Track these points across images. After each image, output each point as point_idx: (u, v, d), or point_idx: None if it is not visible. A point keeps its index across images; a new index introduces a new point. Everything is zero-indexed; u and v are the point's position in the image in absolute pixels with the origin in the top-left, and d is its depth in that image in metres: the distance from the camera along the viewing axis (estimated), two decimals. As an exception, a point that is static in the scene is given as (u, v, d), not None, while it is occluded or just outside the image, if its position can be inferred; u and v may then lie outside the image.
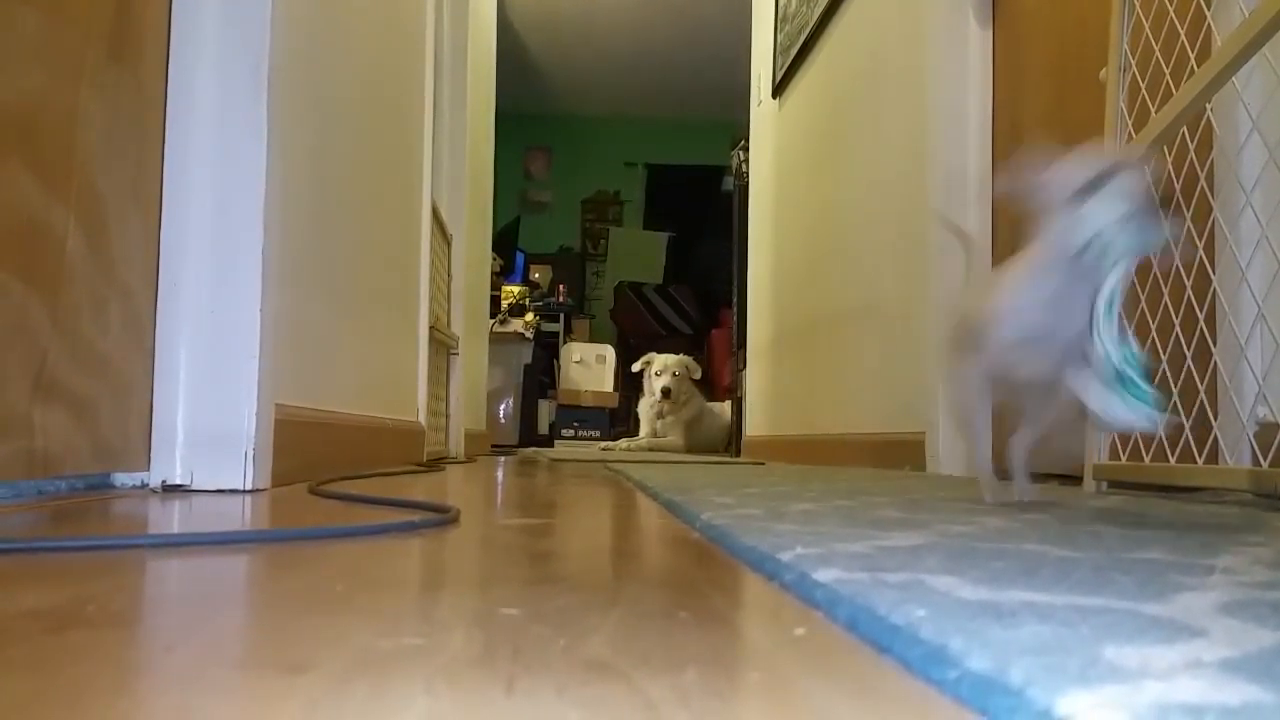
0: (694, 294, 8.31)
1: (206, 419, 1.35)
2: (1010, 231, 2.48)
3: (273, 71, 1.41)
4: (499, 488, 1.83)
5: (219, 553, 0.75)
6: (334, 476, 1.65)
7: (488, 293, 5.12)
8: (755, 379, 4.92)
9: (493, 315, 6.86)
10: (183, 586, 0.64)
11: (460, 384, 3.69)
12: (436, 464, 2.80)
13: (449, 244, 3.62)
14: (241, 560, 0.73)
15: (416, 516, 0.97)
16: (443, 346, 3.44)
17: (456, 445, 3.63)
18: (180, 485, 1.34)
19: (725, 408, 5.75)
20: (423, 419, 2.85)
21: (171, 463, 1.34)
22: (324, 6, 1.81)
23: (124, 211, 1.28)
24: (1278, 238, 1.45)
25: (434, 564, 0.77)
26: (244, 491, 1.34)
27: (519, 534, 0.96)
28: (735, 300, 5.34)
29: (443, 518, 0.97)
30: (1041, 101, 2.44)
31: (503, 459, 3.83)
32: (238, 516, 1.07)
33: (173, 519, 1.04)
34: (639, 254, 8.88)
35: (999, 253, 2.59)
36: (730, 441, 5.41)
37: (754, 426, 4.88)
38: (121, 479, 1.32)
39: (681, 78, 8.29)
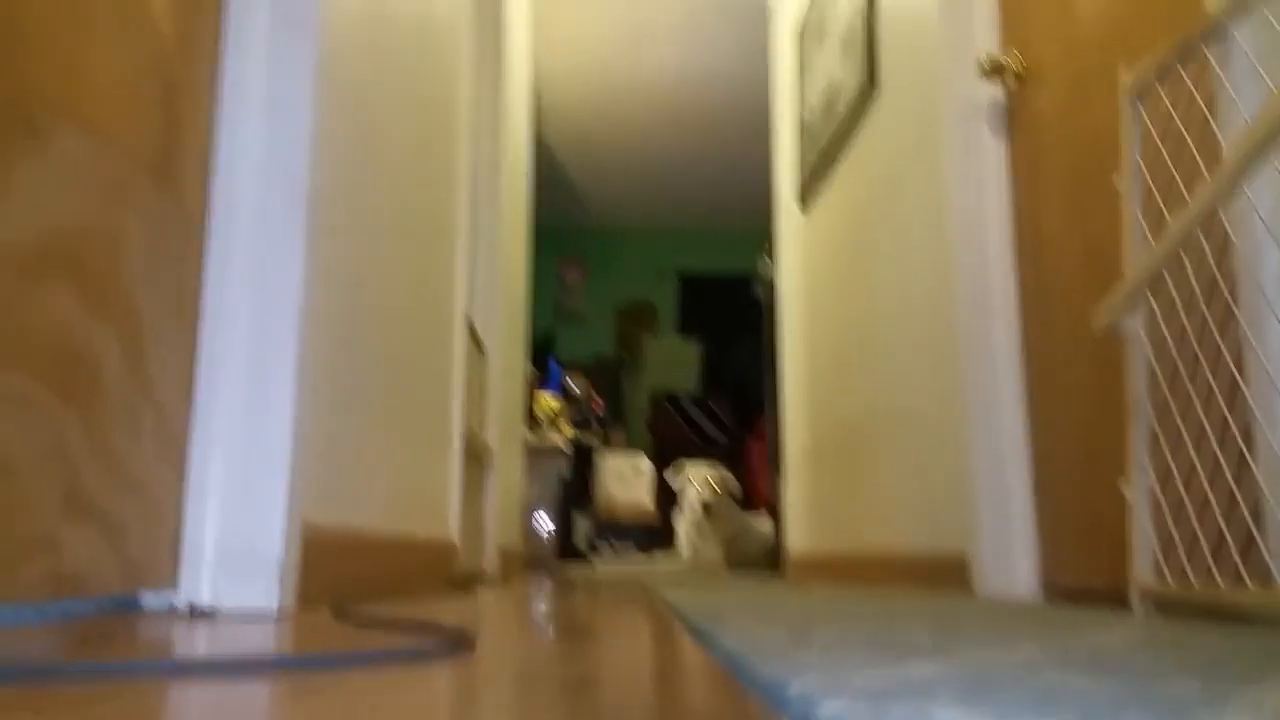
0: (729, 403, 8.32)
1: (236, 537, 1.36)
2: (1038, 343, 2.48)
3: (310, 193, 1.46)
4: (528, 617, 1.81)
5: (205, 681, 0.75)
6: (361, 597, 1.65)
7: (522, 404, 5.15)
8: (794, 492, 4.87)
9: (529, 429, 6.91)
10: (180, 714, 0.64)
11: (495, 498, 3.69)
12: (469, 585, 2.78)
13: (484, 355, 3.67)
14: (240, 690, 0.72)
15: (430, 642, 0.96)
16: (477, 459, 3.46)
17: (491, 563, 3.61)
18: (206, 606, 1.34)
19: (764, 521, 5.69)
20: (455, 535, 2.84)
21: (199, 581, 1.35)
22: (363, 128, 1.89)
23: (163, 330, 1.32)
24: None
25: (439, 697, 0.76)
26: (269, 613, 1.34)
27: (537, 663, 0.95)
28: (768, 410, 5.33)
29: (454, 645, 0.96)
30: (1061, 210, 2.46)
31: (540, 581, 3.80)
32: (254, 642, 1.07)
33: (190, 643, 1.04)
34: (673, 362, 8.94)
35: (1028, 362, 2.58)
36: (772, 558, 5.33)
37: (795, 542, 4.80)
38: (149, 599, 1.33)
39: (710, 188, 8.47)
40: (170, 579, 1.34)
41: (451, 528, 2.84)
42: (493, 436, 3.73)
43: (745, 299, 8.53)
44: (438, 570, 2.57)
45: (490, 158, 3.87)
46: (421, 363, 2.51)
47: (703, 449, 7.83)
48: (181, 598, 1.34)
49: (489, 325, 3.77)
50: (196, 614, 1.32)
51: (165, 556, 1.34)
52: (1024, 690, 0.61)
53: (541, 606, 1.86)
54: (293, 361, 1.39)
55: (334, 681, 0.74)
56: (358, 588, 1.72)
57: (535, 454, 6.52)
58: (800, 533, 4.69)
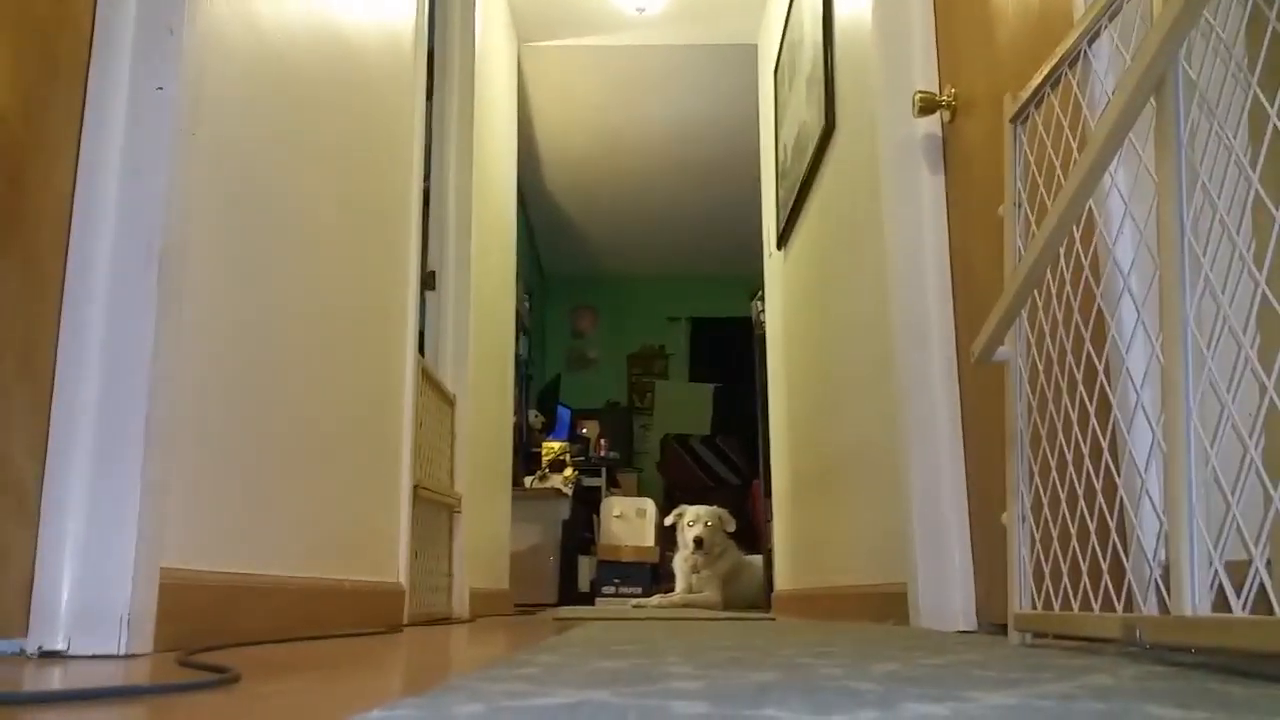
0: (740, 444, 8.28)
1: (88, 588, 1.39)
2: (972, 374, 2.46)
3: (168, 247, 1.50)
4: (431, 649, 1.82)
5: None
6: (254, 640, 1.67)
7: (509, 451, 5.17)
8: (779, 529, 4.84)
9: (531, 472, 6.93)
10: None
11: (463, 544, 3.70)
12: (432, 624, 2.80)
13: (451, 405, 3.70)
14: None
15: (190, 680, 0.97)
16: (441, 507, 3.48)
17: (460, 605, 3.61)
18: (57, 652, 1.37)
19: (760, 560, 5.63)
20: (403, 579, 2.86)
21: (54, 630, 1.38)
22: (249, 184, 1.94)
23: (6, 386, 1.36)
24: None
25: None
26: (119, 657, 1.37)
27: (290, 698, 0.96)
28: (761, 449, 5.31)
29: (215, 679, 0.97)
30: (989, 243, 2.45)
31: (509, 619, 3.79)
32: (59, 680, 1.09)
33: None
34: (685, 406, 8.94)
35: (964, 396, 2.56)
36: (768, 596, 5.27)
37: (781, 579, 4.76)
38: (0, 645, 1.36)
39: (714, 233, 8.51)
40: (20, 627, 1.36)
41: (400, 572, 2.85)
42: (463, 483, 3.75)
43: (751, 340, 8.53)
44: (379, 613, 2.58)
45: (458, 212, 3.92)
46: (356, 412, 2.54)
47: (714, 490, 7.79)
48: (32, 644, 1.36)
49: (459, 377, 3.81)
50: (46, 657, 1.35)
51: (16, 607, 1.37)
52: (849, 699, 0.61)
53: (445, 645, 1.87)
54: (142, 413, 1.43)
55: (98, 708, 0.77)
56: (255, 632, 1.74)
57: (538, 497, 6.54)
58: (784, 570, 4.65)
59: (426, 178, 3.54)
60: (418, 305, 3.16)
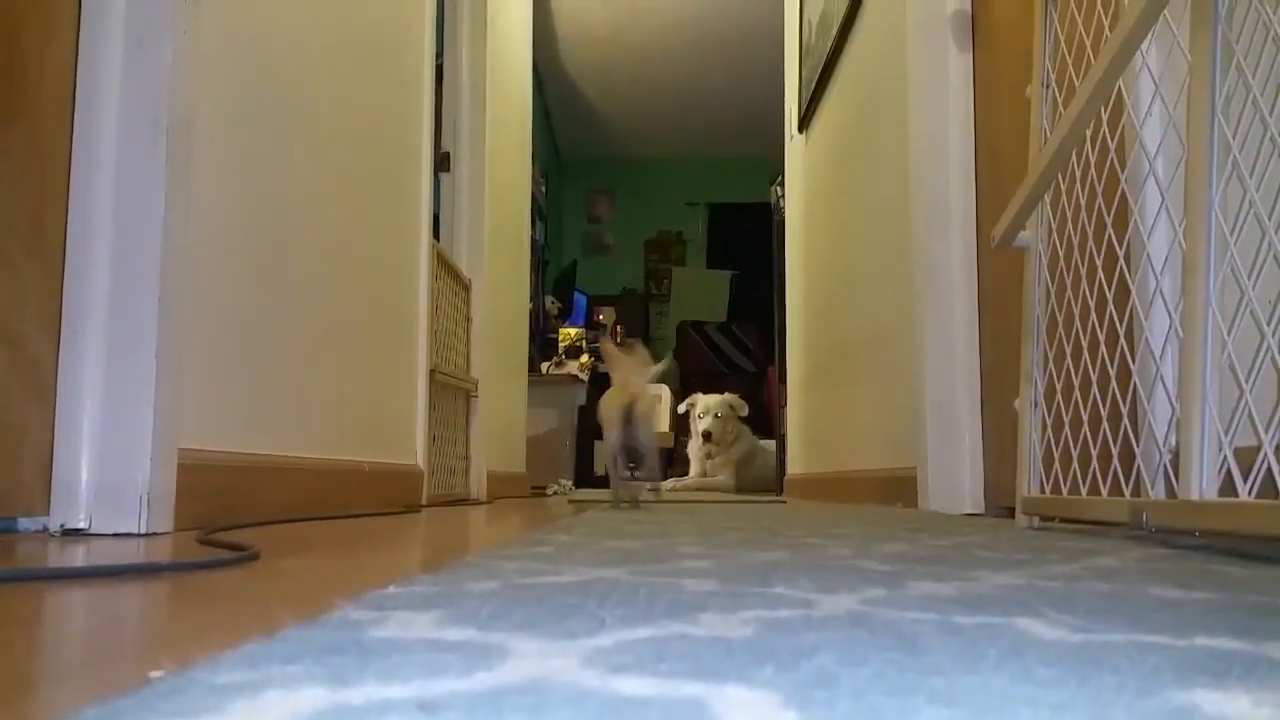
0: (758, 330, 8.27)
1: (108, 467, 1.41)
2: (992, 259, 2.42)
3: (175, 122, 1.48)
4: (448, 528, 1.85)
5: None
6: (274, 519, 1.71)
7: (525, 337, 5.18)
8: (793, 415, 4.87)
9: (548, 358, 6.96)
10: None
11: (481, 427, 3.75)
12: (450, 505, 2.86)
13: (467, 289, 3.70)
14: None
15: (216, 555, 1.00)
16: (458, 390, 3.51)
17: (478, 487, 3.68)
18: (79, 530, 1.40)
19: (775, 445, 5.69)
20: (421, 461, 2.90)
21: (75, 509, 1.41)
22: (265, 49, 1.90)
23: (14, 262, 1.36)
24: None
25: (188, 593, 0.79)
26: (140, 536, 1.40)
27: (309, 574, 0.98)
28: (776, 336, 5.30)
29: (238, 557, 1.00)
30: (1016, 123, 2.38)
31: (525, 501, 3.87)
32: (90, 556, 1.12)
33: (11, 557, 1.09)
34: (702, 293, 8.90)
35: (982, 278, 2.53)
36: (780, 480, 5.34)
37: (794, 463, 4.81)
38: (24, 523, 1.39)
39: (735, 116, 8.33)
40: (42, 506, 1.39)
41: (418, 454, 2.90)
42: (480, 368, 3.77)
43: (771, 227, 8.43)
44: (399, 494, 2.63)
45: (472, 89, 3.84)
46: (371, 294, 2.54)
47: (730, 376, 7.83)
48: (54, 523, 1.39)
49: (474, 261, 3.79)
50: (69, 535, 1.38)
51: (37, 486, 1.39)
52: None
53: (464, 523, 1.91)
54: (154, 291, 1.42)
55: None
56: (275, 511, 1.77)
57: (554, 383, 6.59)
58: (797, 454, 4.70)
59: (439, 55, 3.46)
60: (431, 186, 3.13)
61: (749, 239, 8.81)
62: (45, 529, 1.40)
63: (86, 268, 1.43)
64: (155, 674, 0.42)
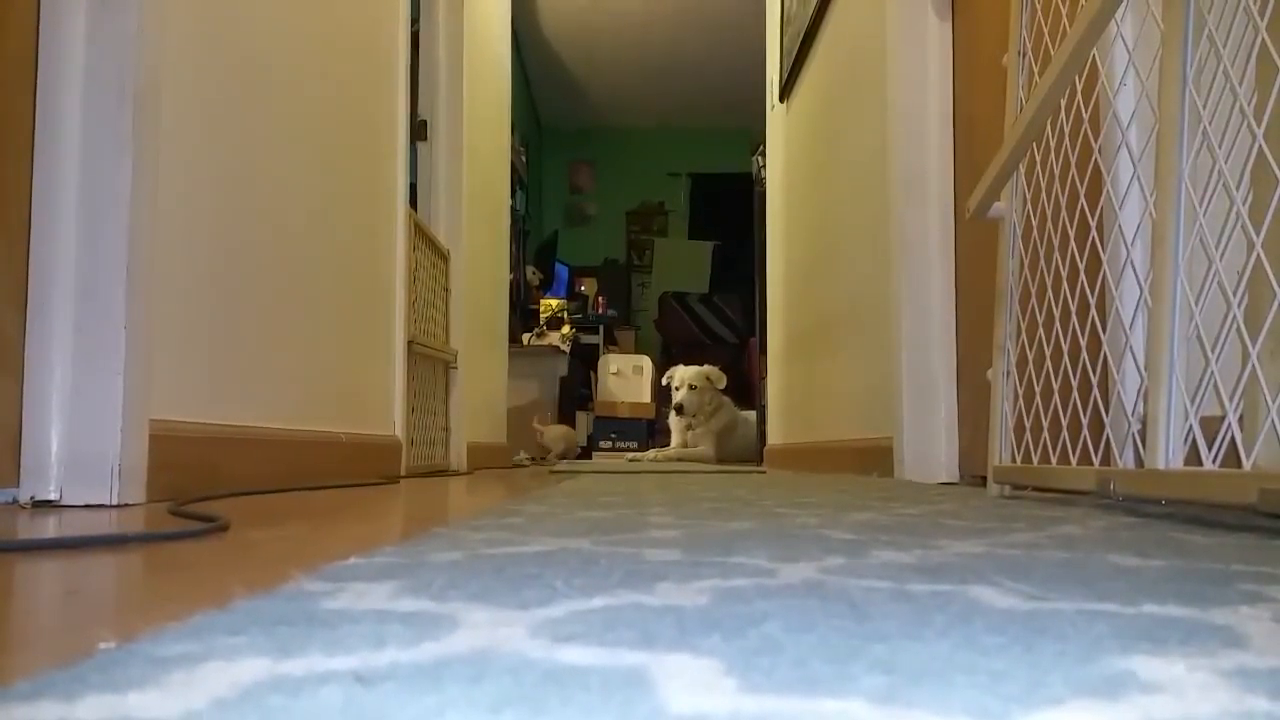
0: (739, 301, 8.27)
1: (75, 436, 1.40)
2: (969, 230, 2.42)
3: (142, 88, 1.46)
4: (423, 499, 1.85)
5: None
6: (249, 490, 1.70)
7: (506, 308, 5.16)
8: (773, 386, 4.88)
9: (530, 329, 6.95)
10: None
11: (461, 398, 3.74)
12: (430, 476, 2.86)
13: (445, 259, 3.68)
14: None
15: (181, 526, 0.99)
16: (437, 362, 3.50)
17: (459, 458, 3.68)
18: (50, 501, 1.39)
19: (755, 416, 5.71)
20: (399, 432, 2.90)
21: (44, 480, 1.40)
22: (235, 14, 1.87)
23: (-19, 240, 1.34)
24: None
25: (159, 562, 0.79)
26: (111, 507, 1.39)
27: (277, 545, 0.98)
28: (758, 306, 5.31)
29: (206, 528, 0.99)
30: (994, 93, 2.38)
31: (504, 471, 3.87)
32: (61, 527, 1.12)
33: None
34: (684, 264, 8.89)
35: (959, 250, 2.53)
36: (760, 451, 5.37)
37: (773, 434, 4.83)
38: (-3, 495, 1.38)
39: (718, 85, 8.28)
40: (12, 477, 1.39)
41: (396, 425, 2.89)
42: (460, 339, 3.76)
43: (752, 198, 8.41)
44: (376, 465, 2.63)
45: (449, 60, 3.79)
46: (346, 266, 2.52)
47: (711, 347, 7.84)
48: (24, 494, 1.39)
49: (453, 231, 3.76)
50: (39, 506, 1.38)
51: (6, 457, 1.38)
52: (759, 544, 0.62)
53: (441, 493, 1.91)
54: (123, 262, 1.41)
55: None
56: (247, 482, 1.77)
57: (535, 354, 6.58)
58: (777, 425, 4.71)
59: (415, 22, 3.41)
60: (408, 156, 3.10)
61: (731, 210, 8.79)
62: (15, 500, 1.39)
63: (52, 238, 1.41)
64: (104, 646, 0.42)
